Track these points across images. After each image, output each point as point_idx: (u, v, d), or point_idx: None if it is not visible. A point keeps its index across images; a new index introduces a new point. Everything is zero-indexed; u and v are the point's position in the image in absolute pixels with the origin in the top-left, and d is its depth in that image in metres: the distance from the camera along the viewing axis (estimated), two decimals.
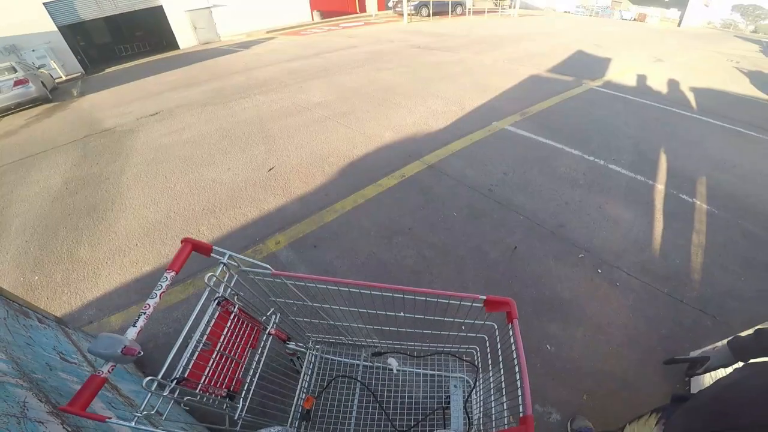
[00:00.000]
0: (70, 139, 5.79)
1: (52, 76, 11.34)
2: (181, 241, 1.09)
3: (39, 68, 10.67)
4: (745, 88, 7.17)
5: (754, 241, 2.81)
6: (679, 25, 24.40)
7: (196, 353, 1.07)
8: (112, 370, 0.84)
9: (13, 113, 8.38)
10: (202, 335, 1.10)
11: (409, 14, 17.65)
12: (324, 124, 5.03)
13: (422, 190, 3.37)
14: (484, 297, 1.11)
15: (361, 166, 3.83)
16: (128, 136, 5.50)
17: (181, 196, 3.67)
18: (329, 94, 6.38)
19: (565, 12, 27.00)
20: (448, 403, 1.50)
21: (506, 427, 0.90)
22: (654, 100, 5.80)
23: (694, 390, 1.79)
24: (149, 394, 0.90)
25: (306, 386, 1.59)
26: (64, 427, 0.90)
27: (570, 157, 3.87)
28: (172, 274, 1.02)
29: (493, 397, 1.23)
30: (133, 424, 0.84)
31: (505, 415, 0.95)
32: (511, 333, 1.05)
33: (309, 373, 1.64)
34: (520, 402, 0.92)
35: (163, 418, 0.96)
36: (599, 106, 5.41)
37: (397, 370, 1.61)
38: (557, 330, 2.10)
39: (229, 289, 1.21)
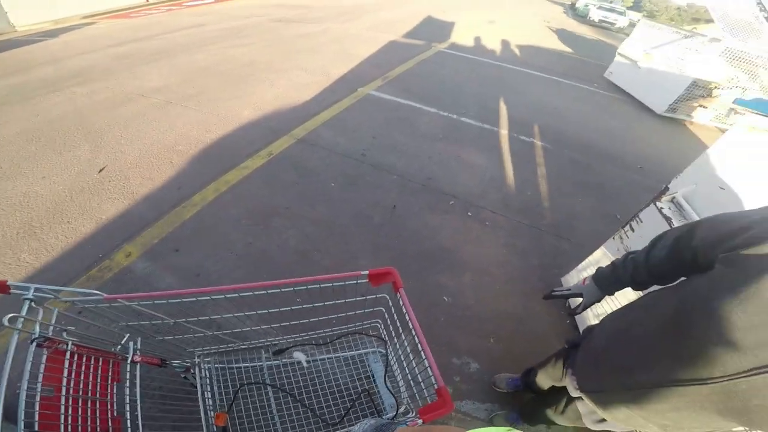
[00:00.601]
0: None
1: None
2: None
3: None
4: (554, 43, 8.80)
5: (578, 166, 3.55)
6: None
7: (36, 404, 0.91)
8: None
9: None
10: (33, 382, 0.93)
11: None
12: (165, 110, 4.27)
13: (294, 165, 3.18)
14: (367, 272, 1.09)
15: (219, 151, 3.39)
16: None
17: None
18: (171, 77, 5.45)
19: None
20: (372, 382, 1.48)
21: (435, 386, 0.91)
22: (489, 58, 6.65)
23: (580, 325, 2.05)
24: None
25: (211, 403, 1.39)
26: None
27: (428, 115, 4.16)
28: None
29: (410, 364, 1.23)
30: None
31: (430, 374, 0.93)
32: (401, 303, 1.05)
33: (208, 389, 1.43)
34: (431, 374, 0.93)
35: None
36: (447, 67, 5.94)
37: (307, 362, 1.52)
38: (448, 280, 2.26)
39: (52, 327, 1.02)
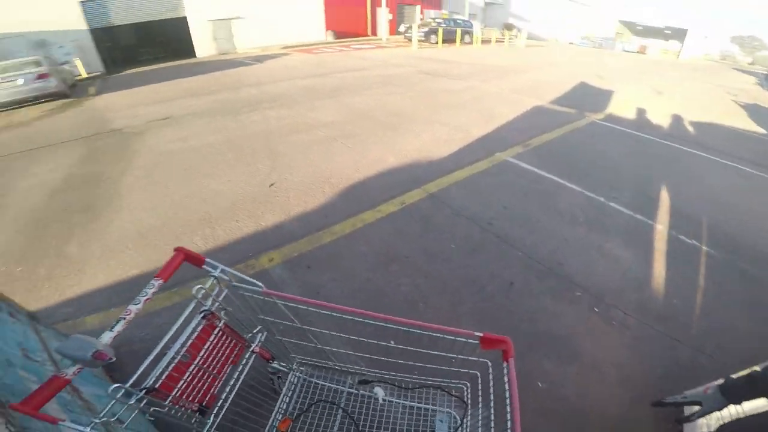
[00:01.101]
0: (79, 135, 5.87)
1: (73, 72, 11.64)
2: (174, 250, 1.06)
3: (62, 64, 10.96)
4: (743, 122, 7.27)
5: (751, 281, 2.81)
6: (678, 57, 25.20)
7: (173, 364, 1.04)
8: (78, 372, 0.80)
9: (30, 105, 8.57)
10: (182, 347, 1.08)
11: (419, 40, 18.16)
12: (329, 145, 5.08)
13: (422, 218, 3.37)
14: (481, 334, 1.09)
15: (362, 190, 3.84)
16: (135, 138, 5.57)
17: (180, 203, 3.67)
18: (337, 114, 6.49)
19: (570, 43, 27.95)
20: None
21: None
22: (654, 134, 5.88)
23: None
24: (112, 401, 0.86)
25: (284, 408, 1.55)
26: (7, 427, 0.86)
27: (570, 193, 3.89)
28: (160, 282, 1.00)
29: None
30: (88, 429, 0.79)
31: None
32: (506, 372, 1.03)
33: (289, 395, 1.60)
34: None
35: (124, 426, 0.91)
36: (600, 140, 5.48)
37: (383, 400, 1.56)
38: (550, 367, 2.06)
39: (217, 303, 1.19)
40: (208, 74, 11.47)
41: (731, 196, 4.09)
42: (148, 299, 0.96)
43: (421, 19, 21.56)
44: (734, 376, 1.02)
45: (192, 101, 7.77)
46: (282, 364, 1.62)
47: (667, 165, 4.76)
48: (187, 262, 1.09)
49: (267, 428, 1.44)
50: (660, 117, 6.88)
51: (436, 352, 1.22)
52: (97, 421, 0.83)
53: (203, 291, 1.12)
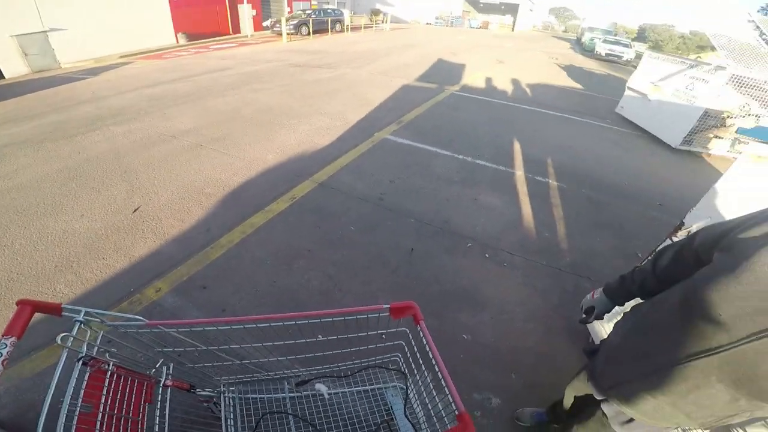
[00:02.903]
0: None
1: None
2: (17, 303, 0.95)
3: None
4: (564, 80, 9.12)
5: (597, 205, 3.62)
6: (513, 29, 30.32)
7: (75, 418, 0.95)
8: None
9: None
10: (73, 398, 0.99)
11: (288, 33, 17.47)
12: (195, 153, 4.57)
13: (315, 209, 3.34)
14: (388, 305, 1.13)
15: (245, 194, 3.59)
16: None
17: (24, 254, 2.88)
18: (200, 119, 5.84)
19: (427, 24, 30.70)
20: (390, 414, 1.50)
21: (456, 424, 0.92)
22: (501, 98, 6.94)
23: (595, 338, 2.09)
24: None
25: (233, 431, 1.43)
26: None
27: (443, 158, 4.34)
28: (13, 339, 0.87)
29: (429, 397, 1.26)
30: None
31: (453, 408, 0.95)
32: (421, 335, 1.09)
33: (231, 417, 1.48)
34: (451, 401, 0.95)
35: None
36: (460, 109, 6.23)
37: (328, 395, 1.55)
38: (467, 318, 2.30)
39: (96, 348, 1.08)
40: (24, 96, 9.06)
41: (567, 140, 5.18)
42: (5, 360, 0.84)
43: (290, 12, 20.68)
44: (611, 281, 1.20)
45: (8, 130, 6.03)
46: (208, 390, 1.48)
47: (515, 123, 5.70)
48: (42, 313, 0.97)
49: None
50: (503, 83, 8.12)
51: (359, 334, 1.24)
52: None
53: (71, 339, 1.01)
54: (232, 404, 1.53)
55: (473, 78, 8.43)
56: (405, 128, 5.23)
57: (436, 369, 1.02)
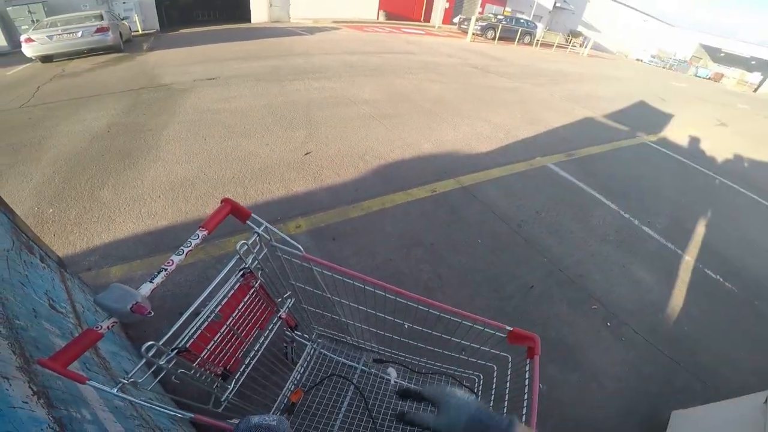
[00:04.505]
0: (127, 88, 6.08)
1: (130, 28, 12.04)
2: (221, 201, 0.98)
3: (122, 19, 11.28)
4: None
5: (764, 320, 2.70)
6: (755, 90, 22.99)
7: (206, 324, 0.98)
8: (113, 326, 0.74)
9: (85, 57, 8.93)
10: (217, 305, 1.02)
11: (474, 33, 17.57)
12: (366, 122, 5.05)
13: (451, 209, 3.32)
14: (511, 328, 1.06)
15: (395, 171, 3.81)
16: (181, 95, 5.72)
17: (215, 160, 3.76)
18: (378, 93, 6.43)
19: (637, 60, 26.27)
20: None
21: None
22: (704, 165, 5.50)
23: None
24: (143, 360, 0.80)
25: (298, 378, 1.55)
26: (30, 386, 0.79)
27: (606, 210, 3.72)
28: (205, 233, 0.92)
29: None
30: (116, 391, 0.74)
31: None
32: (527, 368, 1.01)
33: (305, 365, 1.59)
34: None
35: (149, 388, 0.84)
36: (648, 163, 5.19)
37: (395, 382, 1.57)
38: (554, 371, 2.07)
39: (256, 262, 1.11)
40: (260, 40, 11.59)
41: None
42: (190, 251, 0.89)
43: (480, 13, 20.79)
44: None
45: (240, 64, 7.88)
46: (301, 333, 1.60)
47: (712, 199, 4.47)
48: (232, 215, 1.01)
49: (279, 397, 1.44)
50: (716, 149, 6.42)
51: (455, 339, 1.19)
52: (126, 381, 0.77)
53: (246, 247, 1.04)
54: (312, 354, 1.64)
55: (677, 133, 6.91)
56: (573, 163, 4.67)
57: (525, 405, 0.93)
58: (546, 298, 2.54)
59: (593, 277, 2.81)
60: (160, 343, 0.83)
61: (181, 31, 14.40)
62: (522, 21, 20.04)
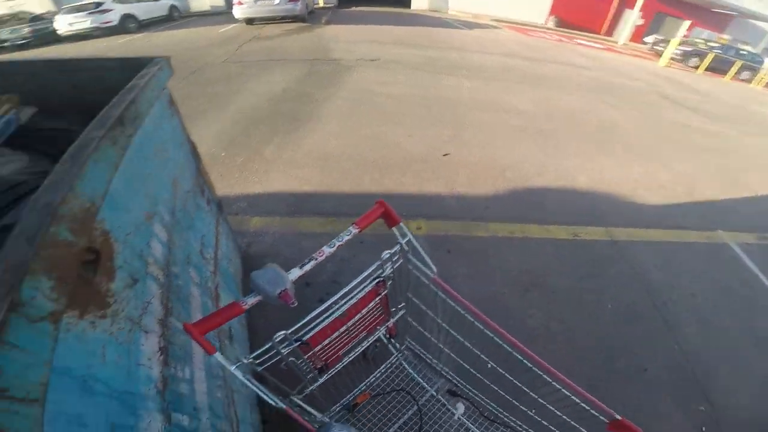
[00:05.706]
0: (304, 57, 7.03)
1: (314, 1, 13.77)
2: (375, 202, 1.01)
3: None
4: None
5: None
6: None
7: (330, 320, 1.04)
8: (254, 304, 0.80)
9: (277, 23, 10.59)
10: (348, 307, 1.07)
11: (670, 58, 14.53)
12: (516, 134, 4.69)
13: (591, 261, 2.86)
14: (619, 417, 0.92)
15: (536, 199, 3.45)
16: (346, 71, 6.29)
17: (364, 141, 4.02)
18: (536, 105, 5.89)
19: None
20: None
21: None
22: None
23: None
24: (268, 344, 0.86)
25: (371, 381, 1.59)
26: (159, 341, 0.84)
27: None
28: (357, 230, 0.96)
29: None
30: (233, 368, 0.79)
31: None
32: None
33: (382, 371, 1.63)
34: None
35: (259, 370, 0.90)
36: None
37: (458, 418, 1.48)
38: None
39: (390, 271, 1.14)
40: (418, 27, 11.91)
41: None
42: (341, 245, 0.94)
43: (685, 36, 16.95)
44: None
45: (399, 50, 8.22)
46: (394, 342, 1.62)
47: None
48: (382, 217, 1.04)
49: (349, 395, 1.49)
50: None
51: (536, 397, 1.14)
52: (246, 361, 0.81)
53: (388, 256, 1.06)
54: (393, 363, 1.63)
55: None
56: (766, 249, 3.50)
57: None
58: (655, 385, 2.11)
59: (720, 376, 2.22)
60: (289, 331, 0.90)
61: (353, 8, 15.78)
62: (743, 52, 15.66)
